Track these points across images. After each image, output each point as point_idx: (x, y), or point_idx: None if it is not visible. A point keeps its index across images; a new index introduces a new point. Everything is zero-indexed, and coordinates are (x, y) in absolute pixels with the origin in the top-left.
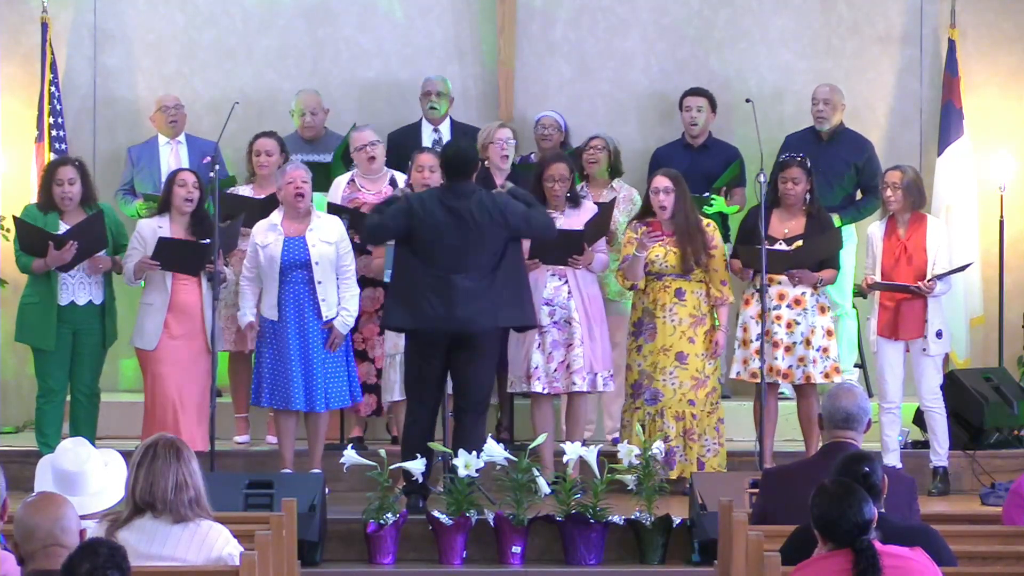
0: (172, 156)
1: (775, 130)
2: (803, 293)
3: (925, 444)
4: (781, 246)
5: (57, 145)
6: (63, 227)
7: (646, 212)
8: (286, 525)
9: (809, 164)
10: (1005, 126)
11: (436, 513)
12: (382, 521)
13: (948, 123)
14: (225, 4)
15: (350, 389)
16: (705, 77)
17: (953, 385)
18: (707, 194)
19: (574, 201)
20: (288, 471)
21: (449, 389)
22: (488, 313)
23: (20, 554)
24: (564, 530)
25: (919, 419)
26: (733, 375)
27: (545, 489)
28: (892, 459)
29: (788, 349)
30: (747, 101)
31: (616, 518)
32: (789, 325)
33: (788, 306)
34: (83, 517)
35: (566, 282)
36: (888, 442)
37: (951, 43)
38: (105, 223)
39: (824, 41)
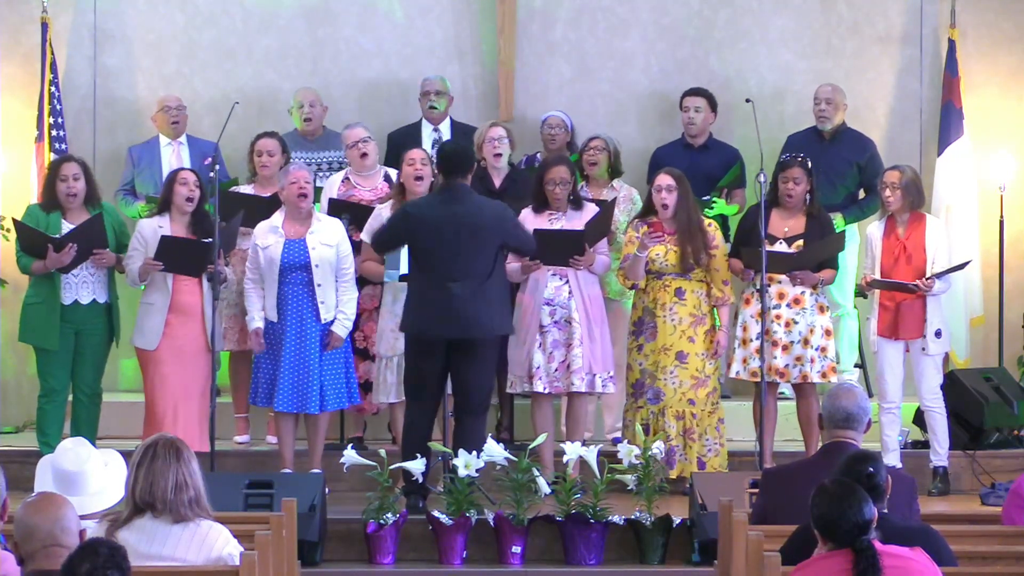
0: (173, 156)
1: (775, 130)
2: (802, 292)
3: (925, 444)
4: (782, 245)
5: (57, 145)
6: (66, 226)
7: (647, 211)
8: (286, 525)
9: (810, 164)
10: (1005, 126)
11: (436, 513)
12: (382, 521)
13: (948, 123)
14: (225, 4)
15: (348, 391)
16: (705, 77)
17: (953, 385)
18: (708, 197)
19: (576, 204)
20: (288, 471)
21: (449, 390)
22: (485, 320)
23: (20, 554)
24: (564, 530)
25: (919, 419)
26: (732, 374)
27: (545, 489)
28: (892, 459)
29: (786, 348)
30: (747, 101)
31: (616, 518)
32: (788, 324)
33: (787, 305)
34: (83, 517)
35: (567, 282)
36: (888, 442)
37: (951, 43)
38: (105, 226)
39: (824, 41)
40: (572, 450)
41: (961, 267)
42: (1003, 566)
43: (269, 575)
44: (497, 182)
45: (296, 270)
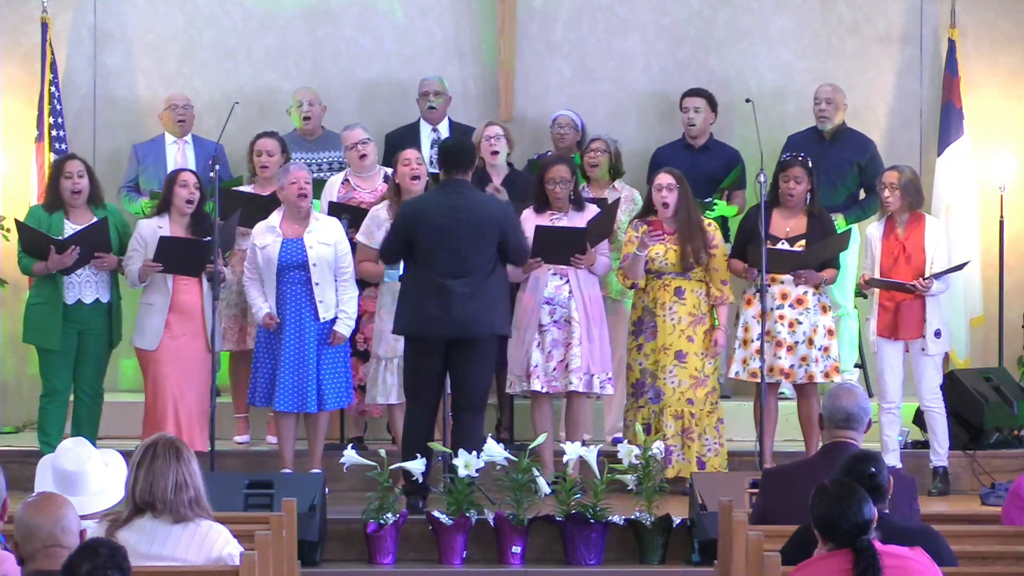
0: (179, 155)
1: (775, 130)
2: (805, 292)
3: (925, 444)
4: (784, 246)
5: (57, 145)
6: (68, 227)
7: (646, 211)
8: (286, 525)
9: (810, 164)
10: (1005, 126)
11: (436, 513)
12: (382, 521)
13: (948, 123)
14: (225, 4)
15: (348, 390)
16: (705, 77)
17: (953, 385)
18: (709, 199)
19: (578, 204)
20: (288, 471)
21: (447, 388)
22: (484, 318)
23: (20, 554)
24: (564, 530)
25: (919, 419)
26: (732, 375)
27: (545, 489)
28: (892, 459)
29: (790, 348)
30: (747, 101)
31: (616, 518)
32: (791, 324)
33: (791, 305)
34: (83, 517)
35: (567, 282)
36: (888, 442)
37: (951, 43)
38: (110, 227)
39: (824, 41)
40: (572, 450)
41: (959, 268)
42: (1003, 566)
43: (269, 575)
44: (496, 182)
45: (294, 269)
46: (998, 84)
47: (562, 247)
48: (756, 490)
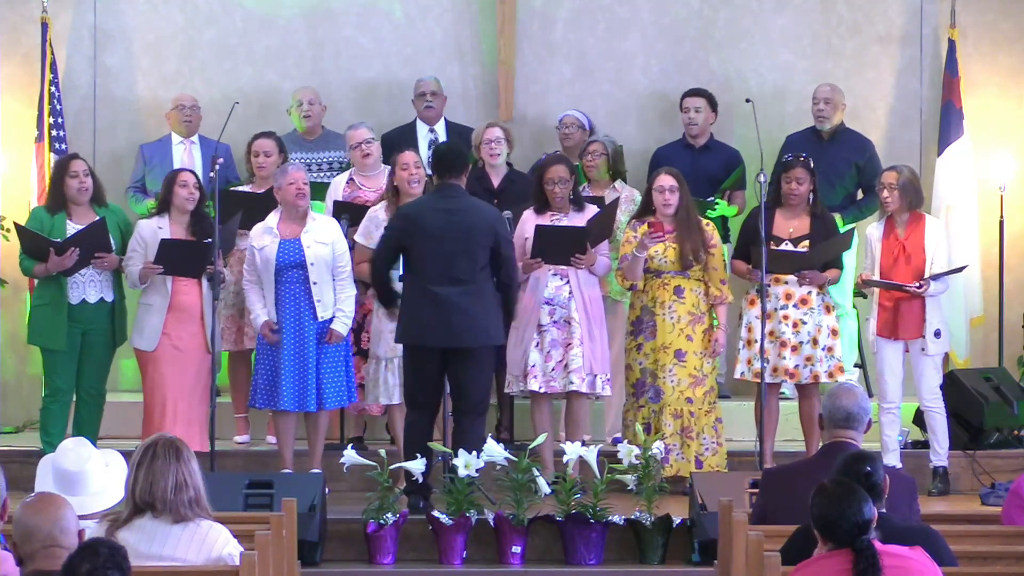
0: (185, 155)
1: (775, 130)
2: (809, 292)
3: (925, 444)
4: (787, 246)
5: (57, 145)
6: (71, 227)
7: (644, 211)
8: (286, 525)
9: (812, 164)
10: (1005, 126)
11: (436, 513)
12: (382, 521)
13: (948, 123)
14: (225, 4)
15: (348, 389)
16: (705, 77)
17: (953, 385)
18: (711, 198)
19: (578, 204)
20: (288, 471)
21: (447, 390)
22: (480, 327)
23: (19, 554)
24: (564, 530)
25: (919, 419)
26: (737, 375)
27: (545, 489)
28: (892, 459)
29: (795, 349)
30: (747, 101)
31: (616, 518)
32: (795, 325)
33: (795, 306)
34: (83, 517)
35: (567, 282)
36: (888, 442)
37: (951, 43)
38: (111, 227)
39: (824, 41)
40: (572, 450)
41: (958, 271)
42: (1003, 566)
43: (269, 575)
44: (496, 182)
45: (292, 269)
46: (998, 84)
47: (562, 247)
48: (756, 490)
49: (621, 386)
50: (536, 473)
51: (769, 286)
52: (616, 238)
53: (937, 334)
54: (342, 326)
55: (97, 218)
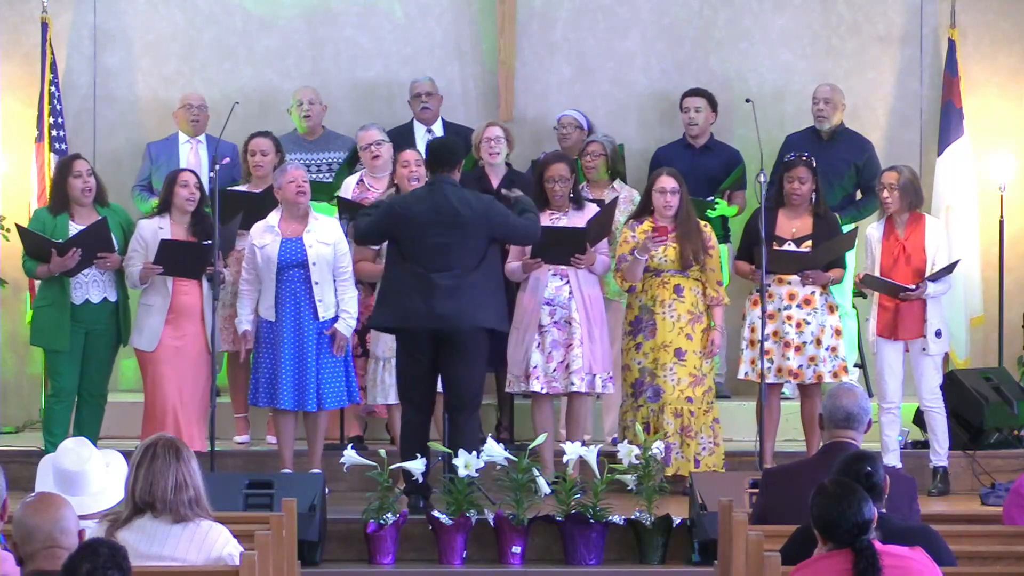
0: (192, 155)
1: (775, 130)
2: (813, 293)
3: (925, 444)
4: (790, 246)
5: (57, 145)
6: (73, 228)
7: (642, 211)
8: (286, 525)
9: (815, 163)
10: (1005, 126)
11: (436, 513)
12: (382, 521)
13: (948, 123)
14: (225, 4)
15: (348, 389)
16: (705, 77)
17: (953, 385)
18: (711, 198)
19: (578, 202)
20: (288, 471)
21: (440, 387)
22: (468, 311)
23: (20, 555)
24: (564, 530)
25: (919, 419)
26: (741, 375)
27: (545, 489)
28: (892, 459)
29: (798, 349)
30: (747, 101)
31: (616, 518)
32: (799, 325)
33: (798, 306)
34: (83, 517)
35: (567, 282)
36: (888, 442)
37: (951, 43)
38: (113, 226)
39: (824, 41)
40: (572, 450)
41: (950, 269)
42: (1003, 566)
43: (269, 575)
44: (495, 182)
45: (293, 268)
46: (998, 84)
47: (562, 247)
48: (756, 490)
49: (619, 386)
50: (536, 473)
51: (770, 286)
52: (617, 239)
53: (938, 334)
54: (346, 327)
55: (99, 218)
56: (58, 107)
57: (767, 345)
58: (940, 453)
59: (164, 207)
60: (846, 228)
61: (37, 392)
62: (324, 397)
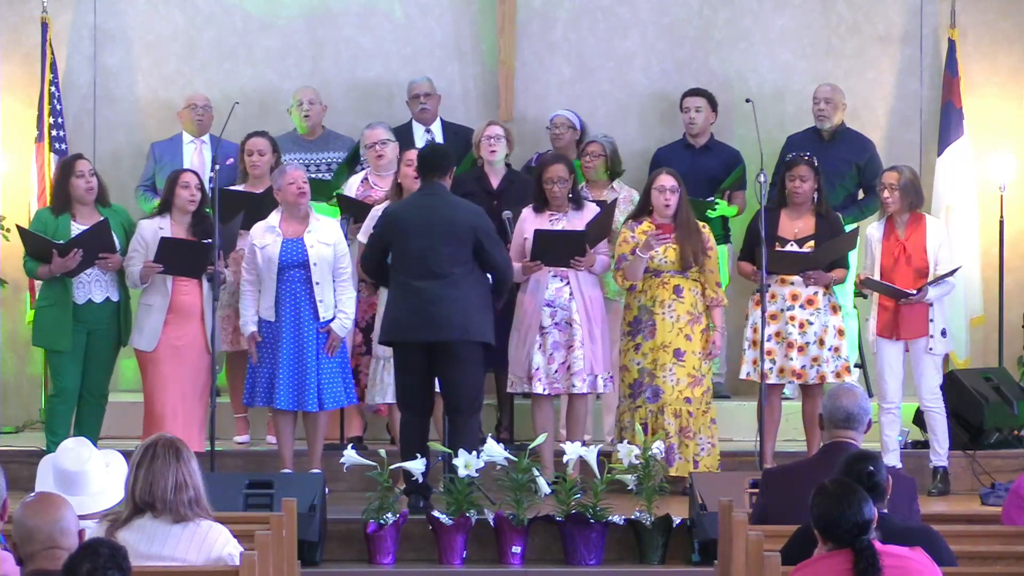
0: (196, 155)
1: (775, 130)
2: (815, 293)
3: (925, 444)
4: (792, 247)
5: (57, 145)
6: (75, 228)
7: (641, 211)
8: (286, 525)
9: (816, 163)
10: (1005, 126)
11: (436, 513)
12: (382, 521)
13: (948, 123)
14: (225, 4)
15: (346, 390)
16: (705, 77)
17: (953, 385)
18: (712, 198)
19: (577, 203)
20: (288, 471)
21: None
22: (458, 322)
23: (20, 555)
24: (564, 530)
25: (919, 419)
26: (743, 376)
27: (545, 489)
28: (892, 459)
29: (801, 349)
30: (747, 101)
31: (616, 518)
32: (802, 325)
33: (801, 306)
34: (83, 517)
35: (567, 283)
36: (888, 442)
37: (951, 43)
38: (115, 227)
39: (824, 41)
40: (572, 450)
41: (951, 274)
42: (1003, 566)
43: (269, 575)
44: (495, 182)
45: (294, 268)
46: (998, 84)
47: (561, 250)
48: (756, 490)
49: (617, 387)
50: (536, 473)
51: (770, 286)
52: (616, 238)
53: (943, 333)
54: (341, 328)
55: (101, 218)
56: (58, 107)
57: (770, 345)
58: (940, 453)
59: (165, 207)
60: (848, 228)
61: (37, 392)
62: (324, 397)
